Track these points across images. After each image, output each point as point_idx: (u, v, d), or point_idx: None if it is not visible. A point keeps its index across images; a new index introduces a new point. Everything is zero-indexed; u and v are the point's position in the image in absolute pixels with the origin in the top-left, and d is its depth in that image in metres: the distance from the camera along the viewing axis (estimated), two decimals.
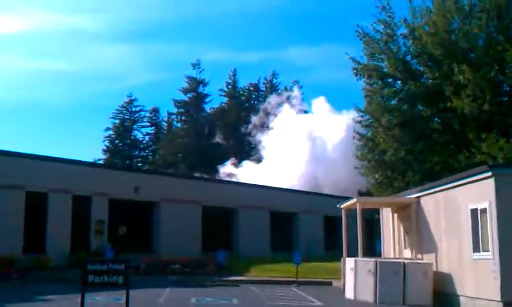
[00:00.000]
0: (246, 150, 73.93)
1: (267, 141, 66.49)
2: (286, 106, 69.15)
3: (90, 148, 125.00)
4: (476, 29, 30.04)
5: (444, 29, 30.27)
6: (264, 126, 70.39)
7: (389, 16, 32.41)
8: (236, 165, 66.41)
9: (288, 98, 72.02)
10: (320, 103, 68.16)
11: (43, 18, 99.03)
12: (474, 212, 17.85)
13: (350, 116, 63.42)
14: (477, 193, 17.74)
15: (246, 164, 65.56)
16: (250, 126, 73.40)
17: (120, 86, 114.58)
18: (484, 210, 17.21)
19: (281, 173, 58.43)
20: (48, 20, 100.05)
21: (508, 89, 29.54)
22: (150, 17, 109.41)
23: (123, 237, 34.44)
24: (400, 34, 32.48)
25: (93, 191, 33.30)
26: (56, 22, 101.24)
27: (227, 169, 65.63)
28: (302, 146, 62.04)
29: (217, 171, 67.35)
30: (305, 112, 70.39)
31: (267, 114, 71.06)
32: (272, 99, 73.42)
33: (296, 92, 74.98)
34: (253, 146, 72.22)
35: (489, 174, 16.94)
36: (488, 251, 16.83)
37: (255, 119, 73.44)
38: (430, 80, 31.32)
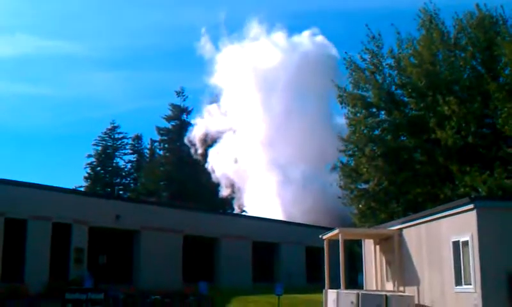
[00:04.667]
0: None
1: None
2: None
3: (72, 174, 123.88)
4: (461, 62, 30.38)
5: (429, 61, 30.56)
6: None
7: (377, 46, 32.70)
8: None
9: None
10: None
11: (29, 42, 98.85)
12: (456, 244, 17.80)
13: None
14: (459, 225, 17.71)
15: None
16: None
17: (103, 112, 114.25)
18: (466, 243, 17.17)
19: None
20: (34, 44, 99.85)
21: (491, 121, 29.75)
22: (134, 45, 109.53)
23: (103, 266, 33.93)
24: (386, 65, 32.77)
25: (73, 219, 32.86)
26: (41, 46, 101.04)
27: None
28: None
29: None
30: None
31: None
32: None
33: None
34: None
35: (471, 206, 16.93)
36: (470, 284, 16.76)
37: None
38: (414, 111, 31.52)
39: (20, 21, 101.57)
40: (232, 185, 67.22)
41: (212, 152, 69.06)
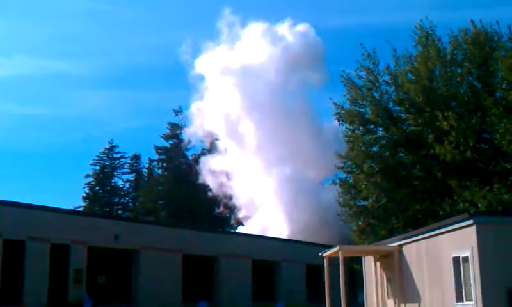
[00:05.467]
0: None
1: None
2: None
3: (70, 194, 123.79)
4: (458, 77, 30.47)
5: (426, 77, 30.65)
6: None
7: (373, 63, 32.81)
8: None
9: None
10: None
11: (26, 62, 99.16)
12: (456, 260, 17.73)
13: None
14: (459, 241, 17.65)
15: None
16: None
17: (101, 132, 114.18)
18: (466, 259, 17.10)
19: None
20: (31, 64, 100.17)
21: (488, 137, 29.78)
22: (131, 64, 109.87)
23: (102, 287, 33.75)
24: (383, 81, 32.86)
25: (71, 239, 32.70)
26: (38, 66, 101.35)
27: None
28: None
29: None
30: None
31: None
32: None
33: None
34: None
35: (471, 222, 16.88)
36: (471, 300, 16.67)
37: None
38: (412, 127, 31.55)
39: (16, 42, 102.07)
40: (228, 199, 66.60)
41: (204, 166, 68.31)
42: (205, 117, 65.35)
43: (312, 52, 62.87)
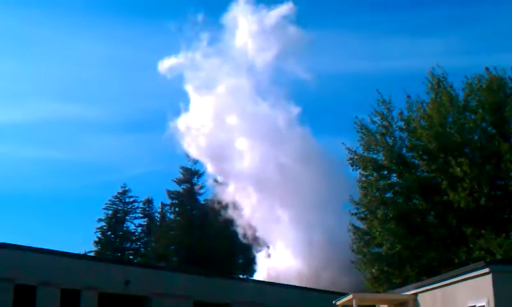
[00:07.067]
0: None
1: None
2: None
3: (82, 239, 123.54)
4: (471, 124, 30.39)
5: (439, 123, 30.60)
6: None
7: (387, 109, 32.83)
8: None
9: None
10: None
11: (40, 106, 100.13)
12: None
13: None
14: (475, 290, 17.39)
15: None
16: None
17: (114, 176, 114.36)
18: None
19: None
20: (45, 108, 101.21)
21: (503, 183, 29.51)
22: (145, 108, 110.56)
23: None
24: (397, 127, 32.83)
25: (82, 285, 32.57)
26: (51, 110, 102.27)
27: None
28: None
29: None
30: None
31: None
32: None
33: None
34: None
35: (487, 270, 16.65)
36: None
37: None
38: (425, 174, 31.37)
39: (31, 86, 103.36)
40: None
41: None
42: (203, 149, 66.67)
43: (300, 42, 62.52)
